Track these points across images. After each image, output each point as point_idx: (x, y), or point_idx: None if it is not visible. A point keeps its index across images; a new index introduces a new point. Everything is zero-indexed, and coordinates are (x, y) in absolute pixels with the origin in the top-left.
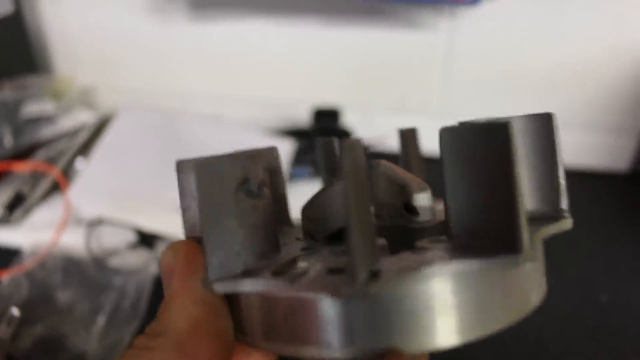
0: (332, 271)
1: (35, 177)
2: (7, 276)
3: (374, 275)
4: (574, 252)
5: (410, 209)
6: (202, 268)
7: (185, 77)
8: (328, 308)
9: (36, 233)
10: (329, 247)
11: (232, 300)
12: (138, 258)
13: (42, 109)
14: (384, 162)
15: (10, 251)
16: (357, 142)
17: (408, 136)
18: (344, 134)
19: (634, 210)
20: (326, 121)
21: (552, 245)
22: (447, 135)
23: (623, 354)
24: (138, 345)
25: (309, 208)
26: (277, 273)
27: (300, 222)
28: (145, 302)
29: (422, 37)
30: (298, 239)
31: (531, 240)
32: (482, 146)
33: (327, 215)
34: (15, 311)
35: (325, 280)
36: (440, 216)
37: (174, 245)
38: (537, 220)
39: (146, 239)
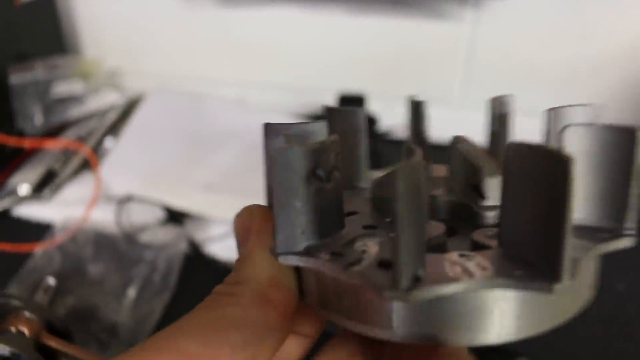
0: (383, 264)
1: (66, 155)
2: (40, 249)
3: (416, 280)
4: None
5: (479, 191)
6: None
7: (210, 63)
8: (373, 299)
9: (67, 209)
10: (390, 230)
11: (297, 267)
12: (167, 234)
13: (72, 89)
14: (464, 139)
15: (42, 226)
16: (416, 163)
17: (419, 108)
18: (368, 120)
19: None
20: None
21: None
22: (514, 149)
23: (637, 342)
24: (220, 292)
25: (379, 186)
26: (335, 254)
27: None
28: (176, 275)
29: (446, 28)
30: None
31: (577, 263)
32: (543, 171)
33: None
34: (51, 280)
35: (374, 274)
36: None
37: (251, 207)
38: (597, 233)
39: (174, 216)
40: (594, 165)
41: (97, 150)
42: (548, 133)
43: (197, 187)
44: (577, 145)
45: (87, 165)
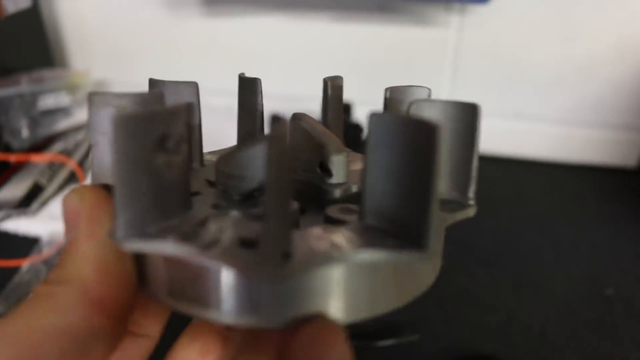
0: (245, 243)
1: (53, 168)
2: (26, 264)
3: (286, 256)
4: (581, 246)
5: (325, 169)
6: (109, 216)
7: (197, 72)
8: (236, 281)
9: (54, 223)
10: (242, 208)
11: (135, 256)
12: None
13: (59, 101)
14: (307, 116)
15: (29, 240)
16: (284, 127)
17: (333, 87)
18: (355, 128)
19: None
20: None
21: (559, 239)
22: (376, 120)
23: (625, 346)
24: (39, 293)
25: (225, 163)
26: (187, 236)
27: (214, 168)
28: None
29: (432, 33)
30: (211, 185)
31: (436, 229)
32: (410, 141)
33: (243, 174)
34: None
35: (237, 253)
36: (353, 179)
37: (81, 189)
38: (446, 205)
39: None
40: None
41: (84, 163)
42: (387, 109)
43: None
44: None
45: (74, 178)
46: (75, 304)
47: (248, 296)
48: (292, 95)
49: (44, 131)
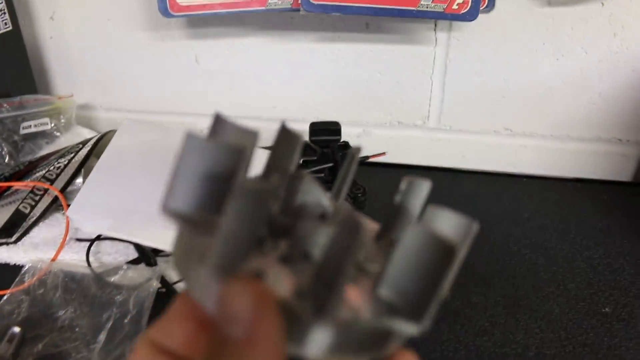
0: (301, 294)
1: (35, 195)
2: (7, 294)
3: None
4: (578, 264)
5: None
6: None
7: (182, 95)
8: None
9: (36, 251)
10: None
11: None
12: (139, 274)
13: (41, 127)
14: (309, 176)
15: (10, 269)
16: (358, 232)
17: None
18: (345, 146)
19: (637, 219)
20: (324, 134)
21: (555, 257)
22: (412, 234)
23: None
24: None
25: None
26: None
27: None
28: (147, 317)
29: (420, 51)
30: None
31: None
32: (434, 254)
33: (298, 237)
34: (16, 329)
35: (295, 302)
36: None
37: (253, 286)
38: (396, 311)
39: (146, 255)
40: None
41: (68, 189)
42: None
43: (169, 224)
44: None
45: (57, 205)
46: None
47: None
48: (279, 117)
49: (27, 158)
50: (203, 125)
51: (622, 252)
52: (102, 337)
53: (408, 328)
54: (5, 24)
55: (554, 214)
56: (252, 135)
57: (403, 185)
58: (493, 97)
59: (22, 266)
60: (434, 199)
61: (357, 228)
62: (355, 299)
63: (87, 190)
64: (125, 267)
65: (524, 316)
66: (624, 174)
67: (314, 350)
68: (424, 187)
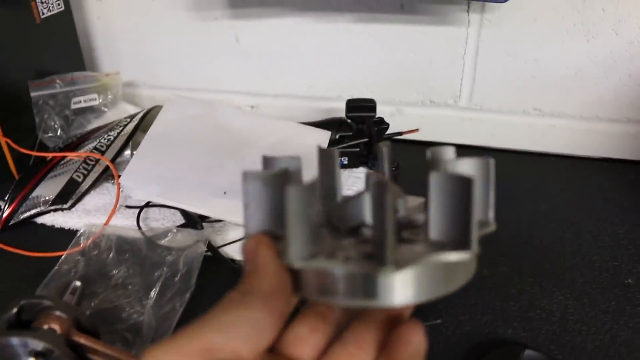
0: (367, 256)
1: (87, 165)
2: (65, 255)
3: (394, 262)
4: (602, 238)
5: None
6: (272, 250)
7: (222, 73)
8: (369, 279)
9: (89, 217)
10: (351, 237)
11: (293, 271)
12: (186, 238)
13: (90, 103)
14: (373, 174)
15: (66, 234)
16: (390, 187)
17: (385, 151)
18: (380, 122)
19: None
20: (360, 111)
21: (581, 231)
22: (435, 178)
23: None
24: (233, 299)
25: (339, 208)
26: (331, 256)
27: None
28: (195, 276)
29: (453, 32)
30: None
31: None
32: (457, 189)
33: (352, 215)
34: (77, 283)
35: (364, 263)
36: (412, 212)
37: (255, 236)
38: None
39: (193, 220)
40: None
41: (117, 160)
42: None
43: (215, 193)
44: (463, 170)
45: (107, 175)
46: (259, 307)
47: (371, 287)
48: (315, 95)
49: (77, 131)
50: (242, 102)
51: None
52: (153, 293)
53: (461, 256)
54: (58, 4)
55: (581, 192)
56: (296, 160)
57: (428, 154)
58: (523, 78)
59: (77, 230)
60: None
61: (385, 184)
62: (412, 248)
63: (138, 159)
64: (174, 230)
65: (549, 284)
66: None
67: (399, 298)
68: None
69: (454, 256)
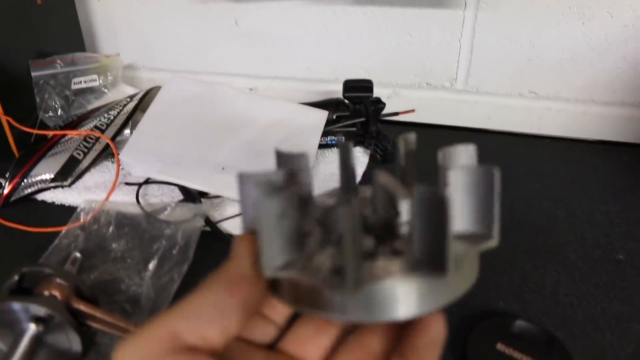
0: (337, 272)
1: (87, 143)
2: (64, 230)
3: (358, 282)
4: (595, 216)
5: (396, 210)
6: (253, 249)
7: (221, 55)
8: (332, 295)
9: (89, 193)
10: (338, 246)
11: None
12: (185, 211)
13: (90, 84)
14: (381, 174)
15: (66, 210)
16: (354, 209)
17: (407, 143)
18: (377, 102)
19: None
20: (357, 91)
21: (574, 210)
22: (417, 198)
23: (634, 306)
24: (200, 286)
25: (327, 214)
26: (303, 267)
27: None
28: (193, 248)
29: (450, 15)
30: (319, 224)
31: (459, 259)
32: (432, 210)
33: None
34: (77, 254)
35: (331, 279)
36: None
37: (242, 235)
38: (474, 238)
39: (191, 196)
40: (471, 192)
41: (116, 139)
42: (441, 169)
43: (213, 169)
44: (459, 180)
45: (107, 153)
46: (221, 290)
47: (339, 304)
48: (313, 78)
49: (77, 110)
50: (241, 85)
51: (639, 208)
52: (152, 266)
53: (433, 276)
54: None
55: (575, 173)
56: (304, 158)
57: (440, 155)
58: (519, 61)
59: (77, 207)
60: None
61: (349, 203)
62: (388, 265)
63: (138, 136)
64: (172, 205)
65: (542, 260)
66: None
67: (403, 311)
68: (463, 152)
69: (424, 277)
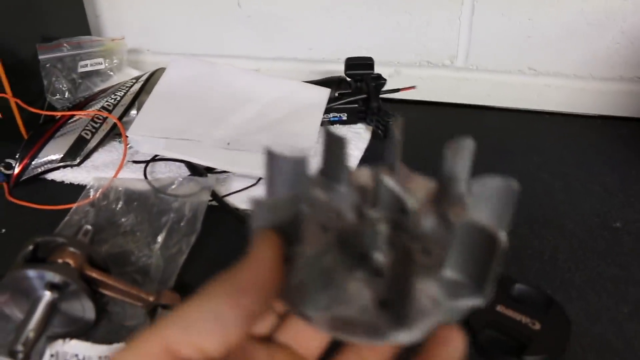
0: (382, 304)
1: (95, 123)
2: (75, 206)
3: (411, 320)
4: (592, 188)
5: (404, 208)
6: (278, 253)
7: (225, 38)
8: (378, 327)
9: (97, 172)
10: (362, 269)
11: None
12: (192, 186)
13: (96, 67)
14: (385, 176)
15: (75, 188)
16: (409, 253)
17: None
18: (378, 78)
19: None
20: (359, 68)
21: (572, 182)
22: (462, 227)
23: (631, 271)
24: (200, 293)
25: (350, 228)
26: (343, 300)
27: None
28: (201, 220)
29: None
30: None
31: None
32: (482, 242)
33: (366, 243)
34: (88, 226)
35: (380, 315)
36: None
37: (265, 230)
38: (459, 288)
39: (198, 172)
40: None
41: (123, 119)
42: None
43: (219, 144)
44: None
45: (114, 134)
46: (223, 301)
47: (383, 332)
48: (315, 58)
49: (84, 93)
50: (244, 66)
51: (637, 179)
52: (160, 238)
53: (475, 301)
54: None
55: (574, 147)
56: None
57: (448, 153)
58: (518, 38)
59: (86, 185)
60: (462, 132)
61: (411, 256)
62: (426, 292)
63: (144, 114)
64: (180, 179)
65: (540, 228)
66: None
67: (407, 337)
68: (467, 149)
69: (468, 302)
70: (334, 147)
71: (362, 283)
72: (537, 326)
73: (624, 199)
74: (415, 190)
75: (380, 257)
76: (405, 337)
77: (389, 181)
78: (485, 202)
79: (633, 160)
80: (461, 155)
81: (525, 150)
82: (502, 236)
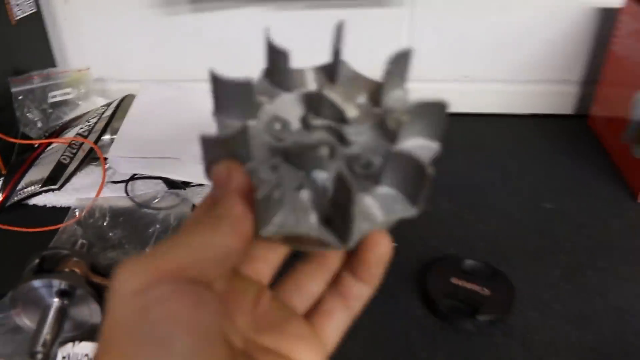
0: (328, 222)
1: (72, 149)
2: (62, 226)
3: (352, 239)
4: (526, 176)
5: (344, 118)
6: (242, 175)
7: (186, 64)
8: (325, 242)
9: (79, 194)
10: (315, 191)
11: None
12: (173, 199)
13: (65, 97)
14: (326, 89)
15: (59, 210)
16: (348, 181)
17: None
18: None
19: (575, 143)
20: None
21: (509, 172)
22: (395, 157)
23: (560, 244)
24: (204, 222)
25: (293, 149)
26: (295, 222)
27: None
28: None
29: (390, 12)
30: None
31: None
32: (411, 167)
33: (309, 163)
34: (83, 240)
35: (326, 234)
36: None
37: (227, 163)
38: (394, 202)
39: (175, 185)
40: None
41: (98, 144)
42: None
43: (193, 160)
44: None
45: (90, 158)
46: (228, 232)
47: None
48: None
49: (56, 121)
50: (207, 89)
51: (564, 166)
52: (149, 248)
53: (408, 214)
54: (30, 6)
55: (509, 142)
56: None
57: (390, 58)
58: (453, 50)
59: (69, 207)
60: None
61: (350, 184)
62: (365, 208)
63: (122, 137)
64: (162, 193)
65: (484, 214)
66: (567, 108)
67: (348, 247)
68: (406, 54)
69: (402, 215)
70: (276, 59)
71: (308, 203)
72: (487, 292)
73: (553, 185)
74: (359, 89)
75: (323, 175)
76: (346, 247)
77: (329, 93)
78: (420, 117)
79: (558, 152)
80: (401, 58)
81: (467, 149)
82: (430, 168)
